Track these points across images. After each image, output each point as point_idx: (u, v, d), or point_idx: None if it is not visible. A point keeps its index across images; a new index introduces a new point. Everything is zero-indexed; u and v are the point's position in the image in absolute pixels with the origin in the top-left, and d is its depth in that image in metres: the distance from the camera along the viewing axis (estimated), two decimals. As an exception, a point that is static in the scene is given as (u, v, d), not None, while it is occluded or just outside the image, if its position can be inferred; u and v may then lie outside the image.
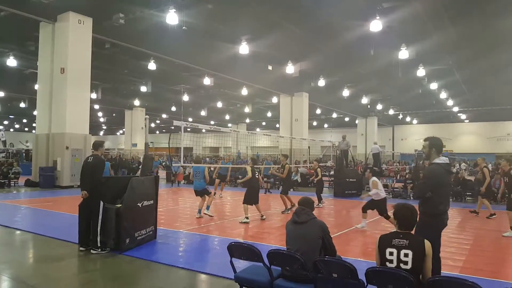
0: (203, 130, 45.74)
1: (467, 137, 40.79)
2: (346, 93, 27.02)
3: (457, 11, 14.52)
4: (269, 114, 40.04)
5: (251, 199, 9.61)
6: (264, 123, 48.53)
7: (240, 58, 19.30)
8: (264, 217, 9.95)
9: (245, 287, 4.01)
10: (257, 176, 10.01)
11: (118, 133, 59.13)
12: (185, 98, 29.79)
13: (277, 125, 32.89)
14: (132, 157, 28.89)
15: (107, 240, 6.39)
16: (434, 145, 4.43)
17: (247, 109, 35.84)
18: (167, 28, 15.33)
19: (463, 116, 39.05)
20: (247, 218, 9.36)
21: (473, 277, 5.18)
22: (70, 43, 15.51)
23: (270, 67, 23.07)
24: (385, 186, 17.34)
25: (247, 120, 46.31)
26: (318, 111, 36.09)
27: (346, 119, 41.25)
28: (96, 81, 25.11)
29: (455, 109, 34.35)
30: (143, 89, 26.35)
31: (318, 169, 13.25)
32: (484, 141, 39.50)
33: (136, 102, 32.53)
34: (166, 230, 8.22)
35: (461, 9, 14.40)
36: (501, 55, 18.82)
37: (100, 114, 41.47)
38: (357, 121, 39.53)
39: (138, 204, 6.69)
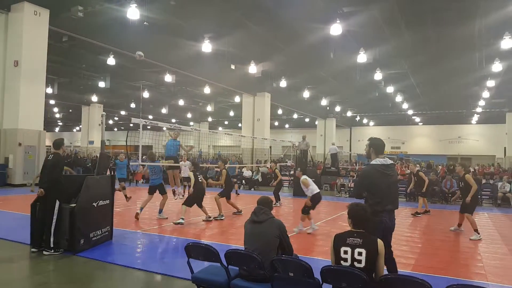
0: (164, 128, 45.02)
1: (421, 139, 42.72)
2: (306, 94, 27.54)
3: (412, 18, 15.20)
4: (231, 113, 40.01)
5: (192, 202, 9.24)
6: (226, 122, 48.41)
7: (202, 56, 19.14)
8: (211, 218, 9.65)
9: (203, 287, 4.00)
10: (200, 180, 9.48)
11: (74, 130, 56.87)
12: (145, 95, 29.14)
13: (240, 125, 32.92)
14: (87, 155, 27.93)
15: (61, 240, 6.15)
16: (373, 145, 4.55)
17: (209, 108, 35.62)
18: (128, 23, 14.92)
19: (417, 119, 40.85)
20: (182, 219, 8.89)
21: (425, 275, 5.44)
22: (25, 35, 14.74)
23: (233, 67, 23.06)
24: (342, 185, 17.89)
25: (210, 119, 46.03)
26: (280, 112, 36.54)
27: (307, 119, 42.00)
28: (52, 75, 24.04)
29: (410, 112, 35.90)
30: (102, 84, 25.51)
31: (277, 170, 13.41)
32: (437, 143, 41.51)
33: (94, 98, 31.44)
34: (122, 231, 8.01)
35: (416, 16, 15.09)
36: (453, 61, 19.88)
37: (56, 109, 39.76)
38: (316, 122, 40.34)
39: (94, 204, 6.49)
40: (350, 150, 42.42)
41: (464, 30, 15.68)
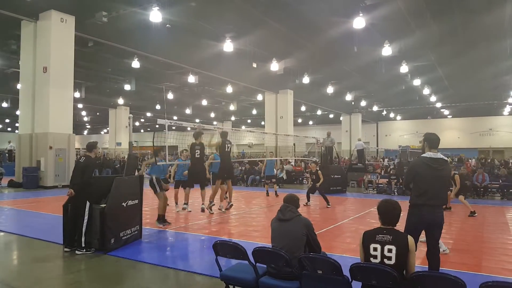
0: (188, 128, 45.49)
1: (451, 133, 41.40)
2: (330, 90, 27.23)
3: (438, 7, 14.75)
4: (254, 112, 40.07)
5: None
6: (249, 121, 48.52)
7: (224, 55, 19.24)
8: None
9: (231, 285, 4.02)
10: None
11: (102, 132, 58.40)
12: (170, 96, 29.57)
13: (263, 123, 32.94)
14: (115, 157, 28.65)
15: (92, 240, 6.32)
16: (427, 139, 4.65)
17: (232, 107, 35.79)
18: (151, 26, 15.20)
19: (446, 112, 39.68)
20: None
21: (457, 271, 5.28)
22: (53, 41, 15.26)
23: (254, 65, 23.05)
24: (369, 182, 17.60)
25: (233, 118, 46.25)
26: (303, 108, 36.27)
27: (331, 115, 41.54)
28: (80, 80, 24.75)
29: (438, 105, 34.91)
30: (127, 87, 26.09)
31: (319, 172, 12.46)
32: (467, 136, 40.18)
33: (120, 101, 32.17)
34: (151, 230, 8.17)
35: (442, 5, 14.63)
36: (482, 51, 19.19)
37: (84, 113, 40.93)
38: (341, 118, 39.85)
39: (123, 203, 6.64)
40: (377, 146, 41.63)
41: (493, 17, 15.08)
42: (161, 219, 8.59)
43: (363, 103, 35.57)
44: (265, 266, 3.93)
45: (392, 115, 42.37)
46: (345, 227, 8.90)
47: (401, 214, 3.59)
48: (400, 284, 3.09)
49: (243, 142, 43.00)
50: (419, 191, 4.43)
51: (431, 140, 4.61)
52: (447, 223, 9.36)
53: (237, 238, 7.47)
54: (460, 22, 15.87)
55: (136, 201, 7.05)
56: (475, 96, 31.68)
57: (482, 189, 14.80)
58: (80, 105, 32.88)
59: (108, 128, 39.27)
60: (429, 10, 14.71)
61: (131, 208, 6.87)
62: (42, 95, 15.68)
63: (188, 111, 37.89)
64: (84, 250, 6.24)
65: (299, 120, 44.72)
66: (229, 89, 26.73)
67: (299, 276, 3.59)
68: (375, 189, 16.85)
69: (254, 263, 3.85)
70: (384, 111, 40.08)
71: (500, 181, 15.39)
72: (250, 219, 9.95)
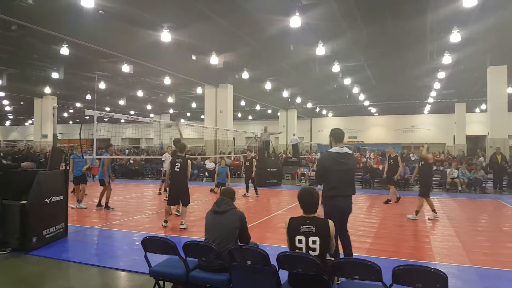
0: (122, 120, 43.70)
1: (377, 129, 44.26)
2: (268, 86, 27.64)
3: (369, 12, 15.55)
4: (194, 105, 39.49)
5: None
6: (188, 114, 47.71)
7: (162, 46, 18.67)
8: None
9: (161, 281, 3.98)
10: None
11: (27, 123, 54.06)
12: (101, 86, 28.10)
13: (202, 116, 32.60)
14: (41, 150, 26.79)
15: (9, 239, 5.89)
16: (332, 134, 4.89)
17: (170, 99, 34.98)
18: (82, 11, 14.32)
19: (373, 110, 42.21)
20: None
21: (377, 258, 5.70)
22: (-33, 22, 13.80)
23: (194, 57, 22.69)
24: (302, 175, 18.27)
25: (171, 111, 45.18)
26: (243, 103, 36.49)
27: (269, 111, 42.22)
28: (1, 66, 22.73)
29: (366, 103, 37.01)
30: (55, 75, 24.36)
31: (254, 160, 13.28)
32: (392, 133, 43.13)
33: (47, 90, 29.94)
34: (78, 227, 7.79)
35: (371, 10, 15.45)
36: (408, 54, 20.59)
37: (6, 102, 37.63)
38: (278, 114, 40.71)
39: (46, 200, 6.26)
40: (311, 141, 43.18)
41: (417, 24, 16.23)
42: (107, 205, 10.08)
43: (298, 100, 36.61)
44: (196, 260, 3.94)
45: (324, 111, 44.17)
46: (278, 218, 9.15)
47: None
48: (322, 271, 3.28)
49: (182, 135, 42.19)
50: (331, 184, 4.66)
51: (336, 135, 4.85)
52: (372, 213, 10.02)
53: (172, 234, 7.38)
54: (387, 26, 16.88)
55: (61, 197, 6.68)
56: (399, 95, 34.03)
57: (403, 181, 16.06)
58: (1, 94, 30.19)
59: (33, 119, 36.47)
60: (360, 13, 15.46)
61: (56, 205, 6.50)
62: (-46, 81, 14.17)
63: (122, 102, 36.32)
64: None
65: (239, 115, 44.90)
66: (167, 81, 26.06)
67: (229, 267, 3.66)
68: (307, 181, 17.53)
69: (185, 258, 3.84)
70: (318, 108, 41.69)
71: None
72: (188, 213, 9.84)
